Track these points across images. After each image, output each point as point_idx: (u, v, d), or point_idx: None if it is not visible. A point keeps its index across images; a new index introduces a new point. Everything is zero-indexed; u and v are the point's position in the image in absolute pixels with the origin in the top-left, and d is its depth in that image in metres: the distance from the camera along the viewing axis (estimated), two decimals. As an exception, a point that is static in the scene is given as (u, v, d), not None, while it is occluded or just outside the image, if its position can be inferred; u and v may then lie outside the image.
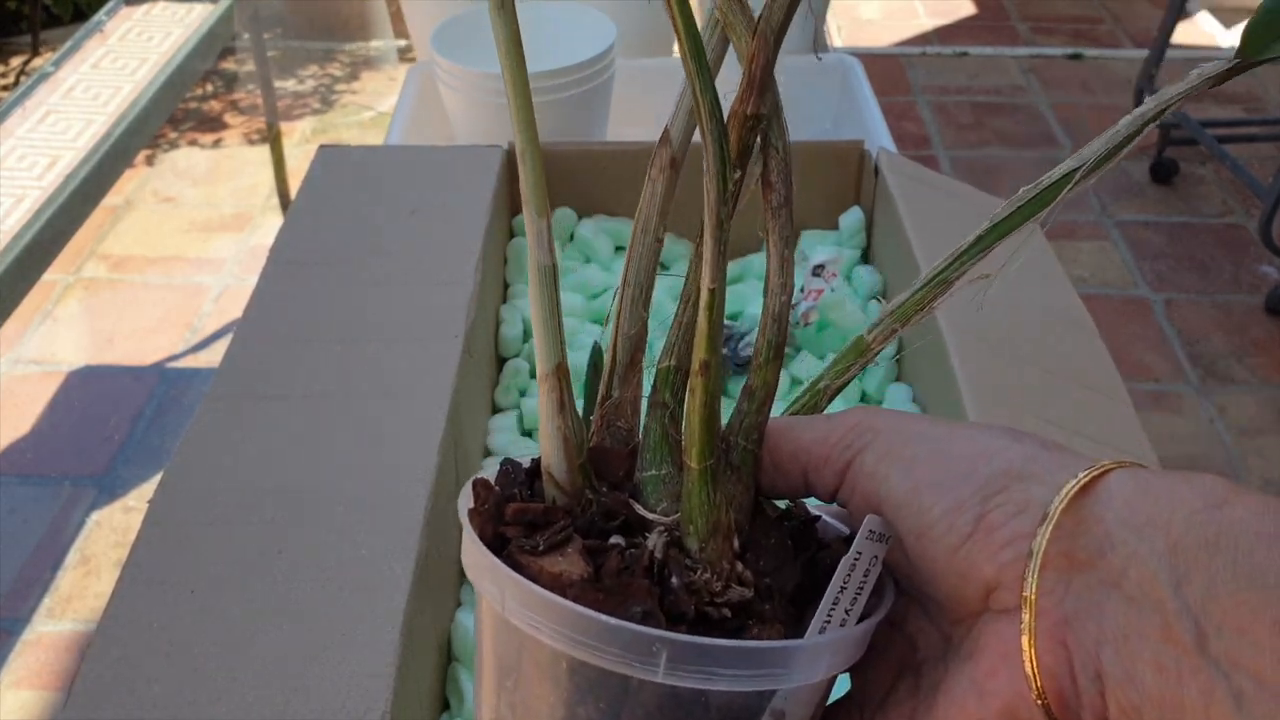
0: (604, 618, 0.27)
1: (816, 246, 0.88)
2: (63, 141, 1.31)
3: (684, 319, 0.32)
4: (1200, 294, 2.10)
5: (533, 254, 0.31)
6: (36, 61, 2.68)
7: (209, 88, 2.74)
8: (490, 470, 0.33)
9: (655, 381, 0.32)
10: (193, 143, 2.53)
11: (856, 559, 0.29)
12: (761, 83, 0.29)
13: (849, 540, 0.30)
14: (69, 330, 1.96)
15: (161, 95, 1.45)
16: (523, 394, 0.78)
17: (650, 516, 0.30)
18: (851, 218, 0.91)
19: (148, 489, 1.65)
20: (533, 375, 0.79)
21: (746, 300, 0.84)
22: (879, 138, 1.04)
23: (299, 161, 2.18)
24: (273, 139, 2.15)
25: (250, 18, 1.85)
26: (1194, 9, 3.13)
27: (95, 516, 1.62)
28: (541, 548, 0.29)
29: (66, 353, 1.91)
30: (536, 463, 0.32)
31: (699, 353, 0.29)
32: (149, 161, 2.44)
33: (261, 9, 1.97)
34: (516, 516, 0.30)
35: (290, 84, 2.78)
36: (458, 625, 0.60)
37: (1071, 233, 2.24)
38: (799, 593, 0.31)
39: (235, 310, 2.02)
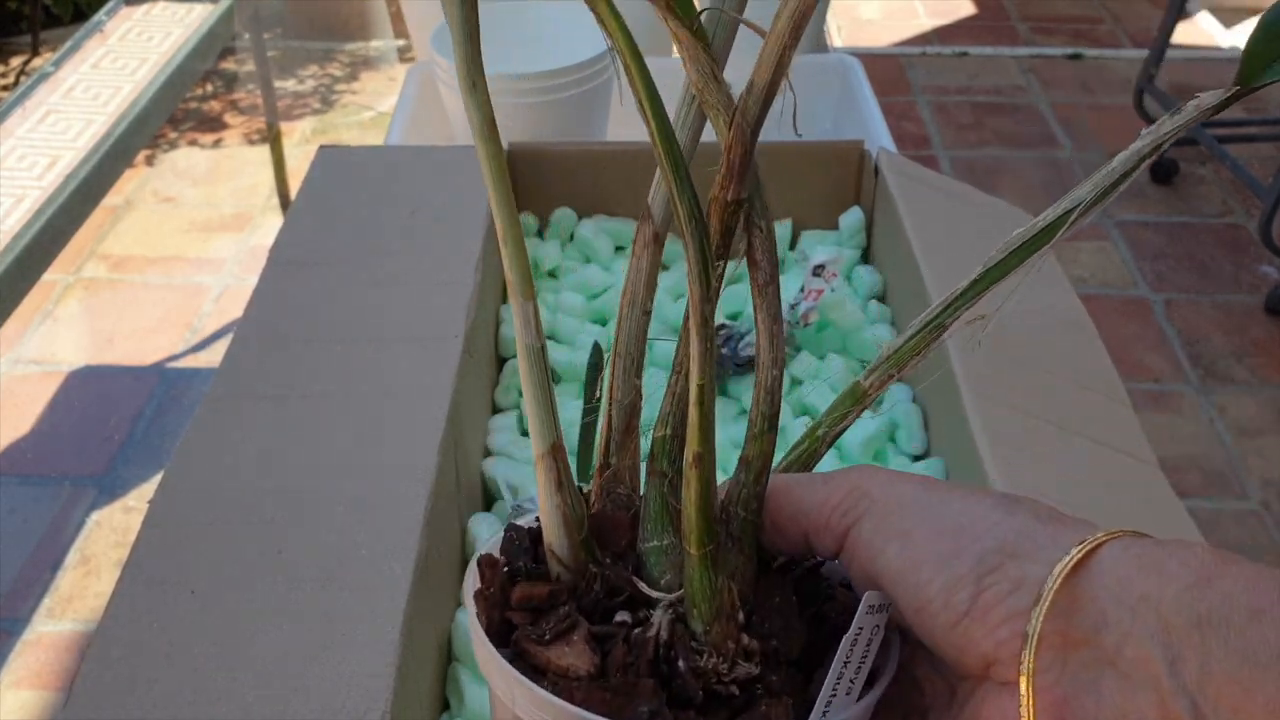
0: None
1: (816, 246, 0.88)
2: (63, 141, 1.31)
3: (676, 389, 0.32)
4: (1200, 294, 2.10)
5: (520, 336, 0.31)
6: (36, 61, 2.68)
7: (209, 88, 2.74)
8: (495, 539, 0.33)
9: (652, 449, 0.32)
10: (193, 143, 2.53)
11: (858, 634, 0.29)
12: (740, 171, 0.29)
13: (851, 586, 0.31)
14: (69, 330, 1.96)
15: (161, 95, 1.44)
16: (522, 394, 0.78)
17: (654, 594, 0.31)
18: (851, 218, 0.91)
19: (148, 489, 1.65)
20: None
21: (746, 300, 0.84)
22: (879, 138, 1.04)
23: (299, 161, 2.18)
24: (273, 139, 2.16)
25: (250, 18, 1.85)
26: (1194, 9, 3.13)
27: (95, 516, 1.62)
28: (548, 636, 0.29)
29: (66, 353, 1.91)
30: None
31: (692, 445, 0.29)
32: (149, 161, 2.44)
33: (261, 9, 1.97)
34: (522, 602, 0.31)
35: (290, 84, 2.78)
36: (458, 625, 0.60)
37: (1072, 233, 2.24)
38: (808, 649, 0.31)
39: (235, 310, 2.01)
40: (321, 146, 0.86)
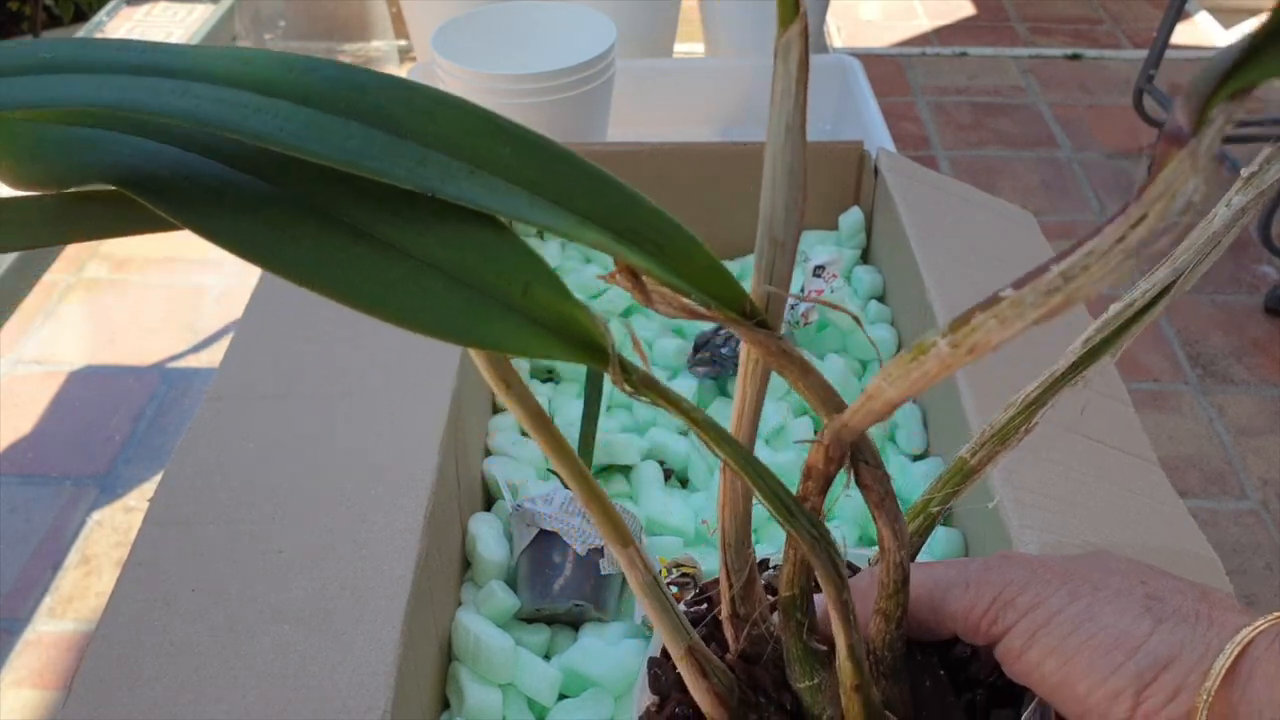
0: None
1: (816, 247, 0.88)
2: (63, 142, 1.31)
3: (795, 557, 0.34)
4: (1199, 294, 2.10)
5: (631, 577, 0.33)
6: (37, 61, 2.68)
7: (209, 88, 2.74)
8: (641, 677, 0.38)
9: (782, 607, 0.35)
10: (193, 143, 2.53)
11: None
12: (827, 481, 0.31)
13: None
14: (70, 330, 1.96)
15: (162, 95, 1.44)
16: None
17: None
18: (851, 218, 0.91)
19: (148, 488, 1.66)
20: (532, 375, 0.79)
21: (746, 300, 0.84)
22: (878, 138, 1.04)
23: (299, 161, 2.17)
24: (273, 139, 2.15)
25: (251, 18, 1.85)
26: (1193, 9, 3.13)
27: (96, 516, 1.62)
28: None
29: (68, 353, 1.91)
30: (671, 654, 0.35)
31: (849, 678, 0.33)
32: (149, 161, 2.44)
33: (262, 9, 1.97)
34: None
35: (290, 84, 2.78)
36: (458, 625, 0.60)
37: (1070, 232, 2.24)
38: None
39: (235, 310, 2.01)
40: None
